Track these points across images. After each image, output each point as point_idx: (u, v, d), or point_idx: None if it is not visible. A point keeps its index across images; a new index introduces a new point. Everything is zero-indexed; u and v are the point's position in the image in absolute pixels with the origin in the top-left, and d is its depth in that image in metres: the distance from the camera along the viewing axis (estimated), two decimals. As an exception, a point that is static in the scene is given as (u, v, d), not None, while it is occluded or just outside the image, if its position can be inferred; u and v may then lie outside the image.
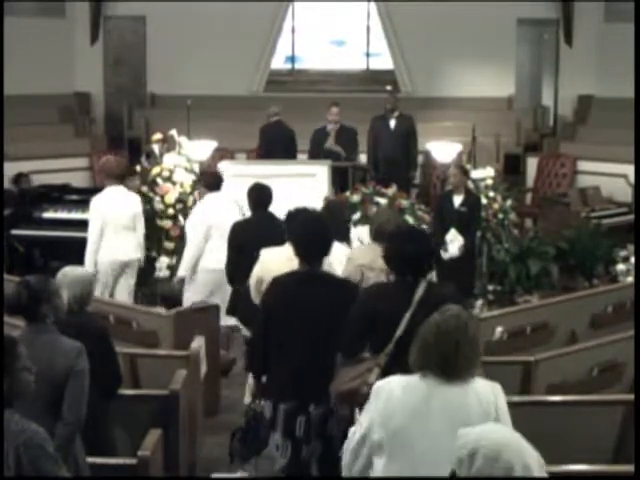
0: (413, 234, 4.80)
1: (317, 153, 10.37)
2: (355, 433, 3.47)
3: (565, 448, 4.88)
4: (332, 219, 5.85)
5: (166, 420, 5.12)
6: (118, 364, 4.97)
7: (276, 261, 5.57)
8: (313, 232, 4.86)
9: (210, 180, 7.90)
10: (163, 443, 4.85)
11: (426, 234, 5.18)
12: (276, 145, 10.65)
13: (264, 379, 4.84)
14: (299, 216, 5.48)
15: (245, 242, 6.72)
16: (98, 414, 4.48)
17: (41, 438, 3.24)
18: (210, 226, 7.56)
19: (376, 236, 5.87)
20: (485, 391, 3.42)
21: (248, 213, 7.29)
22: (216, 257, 7.36)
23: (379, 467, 3.37)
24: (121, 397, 5.05)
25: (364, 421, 3.43)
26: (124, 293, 7.86)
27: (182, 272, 7.72)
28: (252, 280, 5.96)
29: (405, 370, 3.49)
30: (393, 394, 3.38)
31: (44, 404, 4.11)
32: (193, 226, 7.72)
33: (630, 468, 4.22)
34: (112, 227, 7.74)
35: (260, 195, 7.10)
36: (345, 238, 6.69)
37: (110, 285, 7.79)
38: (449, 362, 3.33)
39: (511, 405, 5.12)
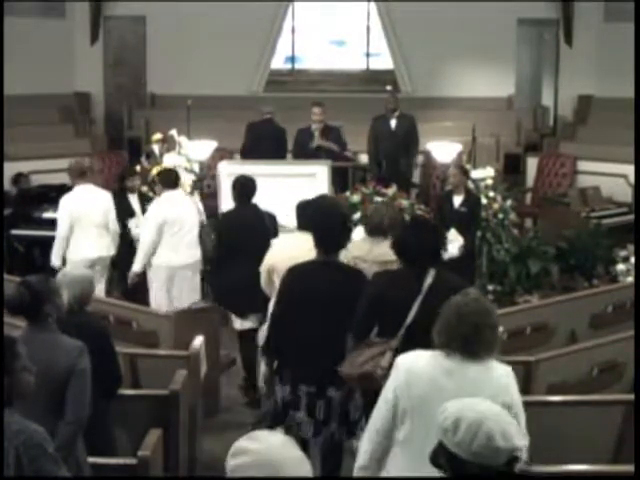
0: (425, 225, 5.01)
1: (302, 153, 10.27)
2: (380, 408, 3.64)
3: (565, 448, 4.89)
4: None
5: (166, 420, 5.12)
6: (118, 364, 4.97)
7: (288, 250, 5.71)
8: (332, 223, 5.05)
9: (166, 177, 7.98)
10: (163, 443, 4.85)
11: (436, 225, 5.34)
12: (263, 142, 10.59)
13: (275, 364, 5.08)
14: (309, 208, 5.69)
15: (229, 231, 7.10)
16: (98, 414, 4.48)
17: (41, 438, 3.24)
18: (164, 222, 7.69)
19: (372, 230, 6.16)
20: (500, 374, 3.62)
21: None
22: (168, 253, 7.67)
23: (400, 436, 3.56)
24: (121, 397, 5.05)
25: (389, 393, 3.60)
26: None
27: (136, 267, 7.83)
28: (263, 269, 6.06)
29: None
30: (416, 365, 3.60)
31: (46, 403, 4.12)
32: (147, 222, 7.87)
33: (630, 468, 4.22)
34: (82, 225, 7.86)
35: (244, 187, 7.30)
36: None
37: None
38: (470, 343, 3.53)
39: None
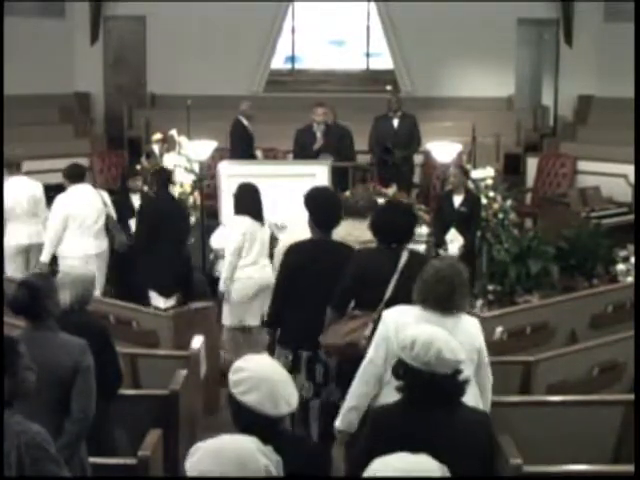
0: (399, 207, 5.53)
1: (303, 155, 10.19)
2: (371, 357, 4.26)
3: (565, 448, 4.89)
4: None
5: (166, 420, 5.12)
6: (119, 363, 4.97)
7: (301, 235, 5.97)
8: (326, 204, 5.58)
9: (71, 172, 8.22)
10: (163, 443, 4.85)
11: (409, 206, 5.74)
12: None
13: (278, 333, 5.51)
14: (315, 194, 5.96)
15: (151, 217, 7.83)
16: (98, 414, 4.48)
17: (43, 439, 3.24)
18: (67, 216, 8.00)
19: (349, 212, 6.39)
20: (470, 324, 4.29)
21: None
22: (72, 246, 8.01)
23: (388, 376, 4.02)
24: (121, 397, 5.05)
25: (380, 341, 4.23)
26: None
27: (43, 258, 8.11)
28: (280, 248, 6.39)
29: None
30: (401, 317, 4.23)
31: (50, 402, 4.13)
32: (53, 215, 8.11)
33: (630, 468, 4.22)
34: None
35: (164, 176, 8.13)
36: None
37: None
38: (445, 300, 4.17)
39: (511, 405, 5.15)
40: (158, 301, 7.79)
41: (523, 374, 5.68)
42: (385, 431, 3.44)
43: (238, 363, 3.20)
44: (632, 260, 8.88)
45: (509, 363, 5.87)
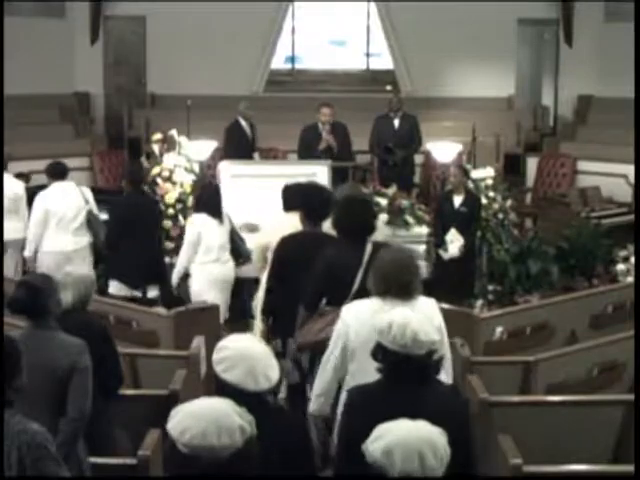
0: (356, 202, 5.64)
1: (308, 154, 10.17)
2: (332, 351, 4.48)
3: (565, 448, 4.89)
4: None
5: (166, 420, 5.10)
6: (119, 364, 4.98)
7: (280, 230, 6.23)
8: (317, 198, 5.87)
9: (52, 169, 8.41)
10: (163, 443, 4.84)
11: (367, 201, 5.91)
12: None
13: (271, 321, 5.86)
14: (295, 189, 6.33)
15: (119, 214, 8.11)
16: (97, 414, 4.48)
17: (43, 438, 3.24)
18: (47, 212, 8.22)
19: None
20: (427, 306, 4.50)
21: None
22: (50, 241, 8.22)
23: (351, 369, 4.40)
24: (121, 397, 5.05)
25: (339, 339, 4.44)
26: None
27: (26, 253, 8.36)
28: (257, 247, 6.75)
29: None
30: (359, 313, 4.42)
31: (47, 401, 4.13)
32: (33, 210, 8.32)
33: (630, 468, 4.22)
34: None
35: (136, 175, 8.38)
36: None
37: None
38: (406, 286, 4.37)
39: (511, 405, 5.15)
40: (118, 289, 7.97)
41: (523, 374, 5.68)
42: (365, 408, 3.60)
43: (221, 342, 3.46)
44: (632, 260, 8.89)
45: (509, 363, 5.87)
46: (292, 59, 15.04)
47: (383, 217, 8.79)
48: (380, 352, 3.70)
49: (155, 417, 5.04)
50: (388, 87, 14.06)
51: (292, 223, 6.10)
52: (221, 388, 3.44)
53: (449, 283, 8.29)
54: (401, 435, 2.87)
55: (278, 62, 14.83)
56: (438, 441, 2.89)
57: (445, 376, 4.29)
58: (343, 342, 4.42)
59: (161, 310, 7.40)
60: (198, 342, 6.02)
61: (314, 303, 5.22)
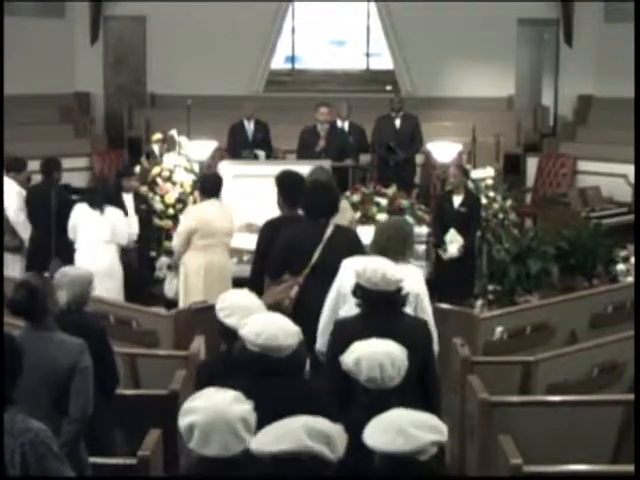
0: (322, 187, 6.18)
1: (307, 155, 10.15)
2: (329, 298, 5.22)
3: (565, 448, 4.89)
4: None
5: (166, 420, 5.12)
6: (115, 363, 4.97)
7: (204, 215, 7.21)
8: (294, 184, 6.33)
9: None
10: (163, 443, 4.85)
11: (332, 186, 6.39)
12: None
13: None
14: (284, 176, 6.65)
15: (29, 204, 8.54)
16: (96, 414, 4.48)
17: (46, 436, 3.25)
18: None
19: None
20: (414, 273, 5.16)
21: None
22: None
23: (344, 309, 5.06)
24: (121, 397, 5.05)
25: (333, 289, 5.19)
26: None
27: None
28: (182, 231, 7.38)
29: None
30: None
31: (48, 401, 4.13)
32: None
33: (630, 468, 4.22)
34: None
35: (50, 166, 8.75)
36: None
37: None
38: (401, 252, 5.12)
39: (511, 405, 5.15)
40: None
41: (523, 374, 5.68)
42: (347, 335, 4.22)
43: (223, 294, 4.40)
44: (632, 260, 8.88)
45: (509, 363, 5.87)
46: (292, 59, 15.03)
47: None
48: (359, 290, 4.51)
49: (155, 417, 5.06)
50: (388, 87, 14.05)
51: (212, 208, 7.15)
52: (222, 330, 4.26)
53: (449, 283, 8.31)
54: (367, 349, 3.72)
55: (278, 62, 14.82)
56: (397, 355, 3.71)
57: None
58: (337, 288, 5.18)
59: (161, 310, 7.40)
60: (198, 342, 6.02)
61: (276, 271, 5.91)
